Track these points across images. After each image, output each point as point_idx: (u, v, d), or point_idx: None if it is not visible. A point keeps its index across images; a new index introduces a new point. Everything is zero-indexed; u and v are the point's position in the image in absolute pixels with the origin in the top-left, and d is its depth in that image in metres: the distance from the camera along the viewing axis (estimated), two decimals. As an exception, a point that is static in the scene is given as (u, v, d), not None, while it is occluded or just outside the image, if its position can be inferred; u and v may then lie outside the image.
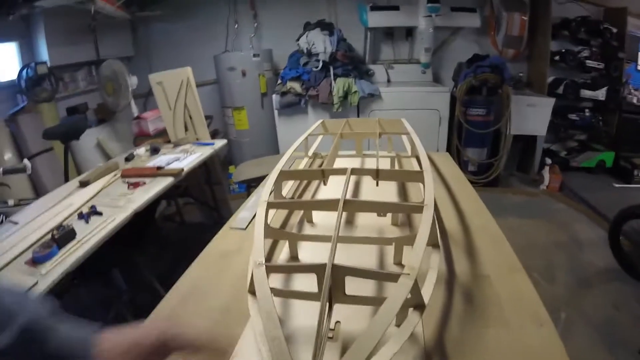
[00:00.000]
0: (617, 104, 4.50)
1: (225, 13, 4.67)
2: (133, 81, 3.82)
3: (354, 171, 1.07)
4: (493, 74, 3.80)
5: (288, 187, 1.33)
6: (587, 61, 4.38)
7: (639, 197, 3.71)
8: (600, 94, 4.41)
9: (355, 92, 3.73)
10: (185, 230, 3.63)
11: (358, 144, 1.68)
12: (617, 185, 4.29)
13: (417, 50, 4.31)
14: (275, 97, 3.90)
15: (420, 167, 1.09)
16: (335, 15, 4.53)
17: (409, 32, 4.44)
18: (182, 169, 2.23)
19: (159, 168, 2.24)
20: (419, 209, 0.84)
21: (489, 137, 4.03)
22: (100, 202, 1.89)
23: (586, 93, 4.43)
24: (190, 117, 2.95)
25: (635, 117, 4.47)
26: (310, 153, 1.77)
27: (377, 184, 1.07)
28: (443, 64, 4.63)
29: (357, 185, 1.39)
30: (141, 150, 2.74)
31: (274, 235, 0.99)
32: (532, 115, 4.08)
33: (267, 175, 1.17)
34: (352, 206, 0.91)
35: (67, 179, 2.78)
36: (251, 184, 2.87)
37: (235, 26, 4.66)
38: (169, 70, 2.90)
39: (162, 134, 3.42)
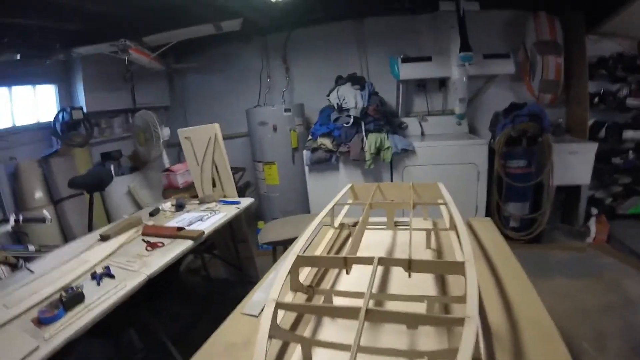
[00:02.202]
0: (662, 141, 4.22)
1: (259, 66, 4.73)
2: (165, 132, 3.84)
3: (382, 261, 0.93)
4: (532, 122, 3.61)
5: (306, 272, 1.20)
6: (627, 99, 4.14)
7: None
8: (644, 133, 4.15)
9: (387, 147, 3.60)
10: (209, 285, 3.53)
11: (389, 216, 1.53)
12: (666, 231, 3.94)
13: (451, 100, 4.21)
14: (305, 153, 3.82)
15: (461, 247, 0.95)
16: (367, 68, 4.52)
17: (442, 83, 4.35)
18: (203, 232, 2.12)
19: (179, 229, 2.14)
20: (460, 321, 0.69)
21: (531, 190, 3.80)
22: (116, 262, 1.81)
23: (629, 134, 4.18)
24: (218, 173, 2.89)
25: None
26: (337, 223, 1.64)
27: (410, 276, 0.93)
28: (478, 114, 4.50)
29: (386, 271, 1.23)
30: (167, 205, 2.70)
31: (284, 336, 0.85)
32: (574, 163, 3.85)
33: (294, 238, 1.07)
34: (376, 316, 0.76)
35: (90, 229, 2.81)
36: (277, 245, 2.75)
37: (268, 80, 4.70)
38: (197, 126, 2.87)
39: (191, 187, 3.39)
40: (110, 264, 1.76)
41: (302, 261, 1.02)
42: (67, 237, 3.54)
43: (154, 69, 4.19)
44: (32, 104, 3.79)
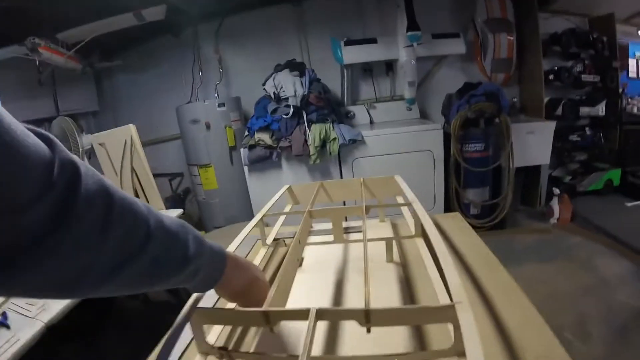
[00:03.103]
0: (617, 116, 4.18)
1: (190, 60, 4.27)
2: (85, 141, 3.41)
3: (322, 314, 0.60)
4: (488, 102, 3.37)
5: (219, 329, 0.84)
6: (582, 75, 4.05)
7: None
8: (600, 108, 4.08)
9: (334, 139, 3.23)
10: (149, 310, 3.10)
11: (336, 227, 1.19)
12: (629, 205, 3.88)
13: (400, 85, 3.91)
14: (243, 152, 3.38)
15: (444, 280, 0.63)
16: (308, 55, 4.16)
17: (390, 67, 4.04)
18: None
19: None
20: None
21: (489, 174, 3.57)
22: (16, 305, 1.43)
23: (585, 110, 4.09)
24: (140, 182, 2.49)
25: (637, 127, 4.16)
26: (270, 239, 1.29)
27: (369, 330, 0.60)
28: (429, 98, 4.24)
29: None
30: None
31: None
32: (533, 143, 3.67)
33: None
34: None
35: None
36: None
37: (200, 73, 4.23)
38: (110, 130, 2.47)
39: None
40: (9, 308, 1.40)
41: (203, 317, 0.68)
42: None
43: (73, 69, 3.72)
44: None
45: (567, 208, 3.75)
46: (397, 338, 0.73)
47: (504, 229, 3.71)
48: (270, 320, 0.62)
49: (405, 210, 1.33)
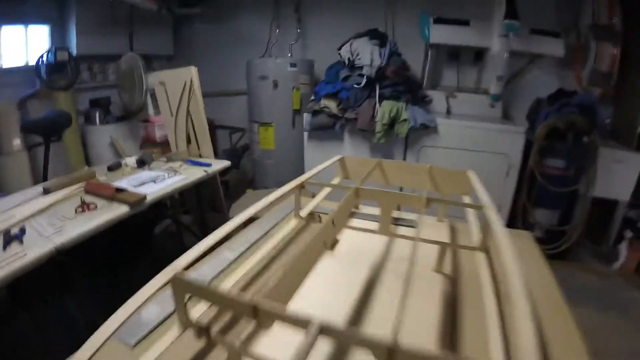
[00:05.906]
0: None
1: (269, 17, 4.14)
2: (151, 80, 3.42)
3: (327, 332, 0.44)
4: (582, 116, 2.97)
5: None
6: None
7: None
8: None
9: (404, 120, 2.97)
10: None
11: (385, 215, 0.99)
12: None
13: (487, 78, 3.56)
14: (306, 116, 3.21)
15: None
16: (392, 27, 3.85)
17: (479, 55, 3.67)
18: (145, 197, 1.65)
19: (118, 190, 1.69)
20: None
21: (565, 197, 3.18)
22: (39, 223, 1.49)
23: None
24: (194, 127, 2.39)
25: None
26: (305, 212, 1.13)
27: None
28: (515, 98, 3.83)
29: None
30: (131, 160, 2.30)
31: None
32: (616, 175, 3.20)
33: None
34: None
35: (45, 179, 2.52)
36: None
37: (277, 31, 4.08)
38: (172, 69, 2.39)
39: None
40: (31, 224, 1.46)
41: (182, 286, 0.53)
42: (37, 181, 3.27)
43: (150, 9, 3.83)
44: (23, 44, 3.53)
45: (634, 255, 3.29)
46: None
47: (564, 261, 3.33)
48: (259, 316, 0.46)
49: (471, 214, 1.12)
